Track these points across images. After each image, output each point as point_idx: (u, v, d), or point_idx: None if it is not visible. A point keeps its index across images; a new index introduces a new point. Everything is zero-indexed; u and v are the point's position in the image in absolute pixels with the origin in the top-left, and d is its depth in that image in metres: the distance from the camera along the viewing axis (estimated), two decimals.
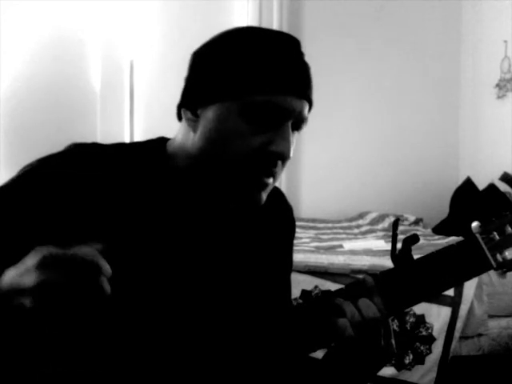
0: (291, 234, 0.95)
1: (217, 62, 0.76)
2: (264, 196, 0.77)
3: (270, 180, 0.76)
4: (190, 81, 0.79)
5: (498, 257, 0.76)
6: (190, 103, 0.78)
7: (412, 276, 0.75)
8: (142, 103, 3.26)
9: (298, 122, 0.77)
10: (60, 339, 0.67)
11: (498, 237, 0.77)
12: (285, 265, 0.93)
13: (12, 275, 0.57)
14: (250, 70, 0.73)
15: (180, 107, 0.80)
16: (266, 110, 0.73)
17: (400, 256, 0.75)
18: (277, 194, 0.93)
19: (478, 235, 0.76)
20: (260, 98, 0.72)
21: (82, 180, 0.72)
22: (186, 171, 0.79)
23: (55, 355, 0.66)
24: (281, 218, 0.92)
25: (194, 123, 0.77)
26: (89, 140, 0.80)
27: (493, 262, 0.75)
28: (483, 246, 0.76)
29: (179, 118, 0.82)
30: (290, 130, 0.75)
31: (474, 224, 0.77)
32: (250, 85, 0.73)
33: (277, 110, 0.73)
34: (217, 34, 0.79)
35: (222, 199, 0.80)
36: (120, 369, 0.69)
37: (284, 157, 0.74)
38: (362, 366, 0.75)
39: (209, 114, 0.75)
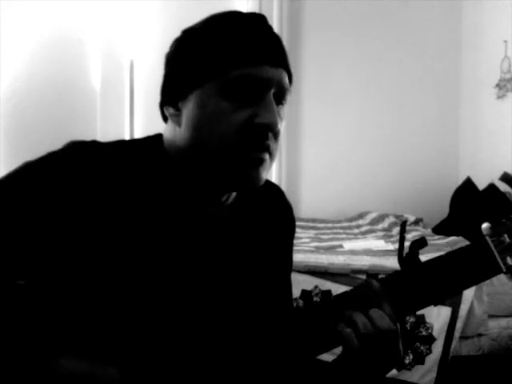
0: (291, 233, 0.94)
1: (186, 51, 0.77)
2: (262, 174, 0.76)
3: (265, 155, 0.75)
4: (165, 77, 0.80)
5: (509, 260, 0.73)
6: (170, 99, 0.78)
7: (420, 280, 0.73)
8: (141, 103, 3.26)
9: (281, 93, 0.76)
10: (64, 339, 0.67)
11: (508, 239, 0.74)
12: (285, 264, 0.92)
13: None
14: (220, 47, 0.73)
15: (162, 106, 0.80)
16: (244, 84, 0.72)
17: (407, 259, 0.74)
18: (276, 192, 0.93)
19: (487, 238, 0.74)
20: (235, 73, 0.72)
21: (82, 178, 0.72)
22: (181, 167, 0.78)
23: (58, 353, 0.66)
24: (280, 216, 0.92)
25: (177, 117, 0.77)
26: (89, 139, 0.80)
27: (502, 266, 0.73)
28: (493, 248, 0.73)
29: (164, 118, 0.81)
30: (273, 101, 0.74)
31: (484, 225, 0.75)
32: (223, 62, 0.73)
33: (255, 82, 0.72)
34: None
35: (220, 186, 0.79)
36: (121, 371, 0.69)
37: (271, 127, 0.73)
38: (369, 372, 0.74)
39: (189, 104, 0.75)
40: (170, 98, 0.78)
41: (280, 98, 0.76)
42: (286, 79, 0.76)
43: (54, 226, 0.70)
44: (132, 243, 0.73)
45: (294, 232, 0.95)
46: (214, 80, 0.73)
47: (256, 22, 0.76)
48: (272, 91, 0.74)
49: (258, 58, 0.73)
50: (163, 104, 0.80)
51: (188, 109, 0.75)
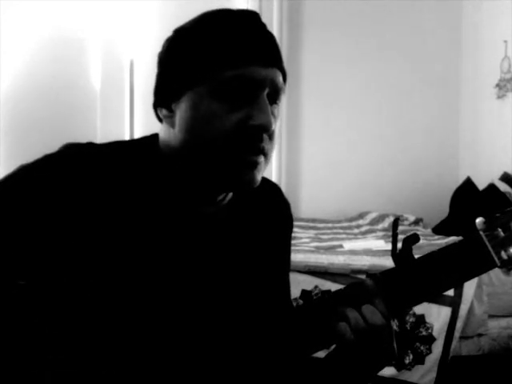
0: (289, 231, 0.94)
1: (177, 52, 0.76)
2: (257, 176, 0.75)
3: (260, 158, 0.74)
4: (158, 78, 0.79)
5: (503, 254, 0.73)
6: (163, 100, 0.77)
7: (413, 276, 0.73)
8: (141, 103, 3.26)
9: (274, 93, 0.75)
10: (62, 343, 0.67)
11: (502, 233, 0.73)
12: (283, 262, 0.92)
13: None
14: (211, 48, 0.72)
15: (156, 107, 0.79)
16: (237, 85, 0.71)
17: (401, 256, 0.74)
18: (274, 189, 0.93)
19: (481, 232, 0.73)
20: (228, 74, 0.71)
21: (78, 180, 0.72)
22: (176, 167, 0.78)
23: (57, 358, 0.66)
24: (278, 214, 0.91)
25: (171, 119, 0.76)
26: (88, 139, 0.79)
27: (497, 260, 0.73)
28: (486, 243, 0.73)
29: (159, 119, 0.81)
30: (267, 101, 0.73)
31: (478, 220, 0.75)
32: (215, 63, 0.71)
33: (247, 83, 0.71)
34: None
35: (214, 187, 0.78)
36: (121, 374, 0.69)
37: (266, 128, 0.72)
38: (363, 368, 0.74)
39: (182, 106, 0.74)
40: (163, 99, 0.77)
41: (274, 97, 0.75)
42: (280, 78, 0.75)
43: (51, 228, 0.69)
44: (129, 244, 0.72)
45: (291, 229, 0.95)
46: (206, 81, 0.72)
47: (248, 21, 0.75)
48: (266, 91, 0.73)
49: (250, 58, 0.72)
50: (156, 105, 0.79)
51: (181, 110, 0.74)
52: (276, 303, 0.87)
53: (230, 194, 0.83)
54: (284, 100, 0.75)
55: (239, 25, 0.74)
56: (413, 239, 0.74)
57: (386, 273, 0.74)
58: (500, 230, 0.74)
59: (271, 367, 0.73)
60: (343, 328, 0.70)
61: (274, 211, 0.90)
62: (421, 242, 0.77)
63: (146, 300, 0.72)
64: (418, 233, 0.75)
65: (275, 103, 0.76)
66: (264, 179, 0.85)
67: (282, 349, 0.73)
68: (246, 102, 0.72)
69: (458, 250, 0.74)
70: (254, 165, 0.74)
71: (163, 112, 0.77)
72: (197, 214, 0.79)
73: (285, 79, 0.77)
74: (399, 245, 0.76)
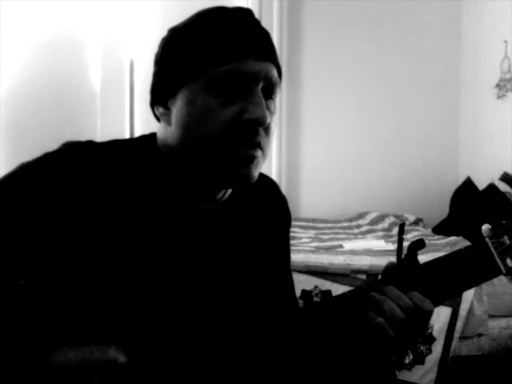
0: (287, 225, 0.95)
1: (172, 49, 0.76)
2: (254, 171, 0.75)
3: (257, 152, 0.74)
4: (154, 77, 0.79)
5: (509, 262, 0.73)
6: (159, 98, 0.78)
7: (419, 282, 0.73)
8: (141, 103, 3.26)
9: (269, 87, 0.75)
10: (62, 338, 0.67)
11: (508, 241, 0.74)
12: (283, 257, 0.93)
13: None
14: (204, 44, 0.73)
15: (153, 106, 0.80)
16: (231, 79, 0.71)
17: (406, 261, 0.74)
18: (270, 185, 0.93)
19: (487, 239, 0.74)
20: (221, 69, 0.71)
21: (77, 179, 0.72)
22: (174, 165, 0.78)
23: (48, 350, 0.65)
24: (276, 209, 0.92)
25: (167, 117, 0.77)
26: (88, 139, 0.79)
27: (502, 268, 0.73)
28: (493, 250, 0.73)
29: (157, 118, 0.81)
30: (261, 95, 0.73)
31: (484, 227, 0.75)
32: (208, 58, 0.72)
33: (241, 77, 0.71)
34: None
35: (212, 184, 0.78)
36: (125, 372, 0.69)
37: (261, 122, 0.71)
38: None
39: (178, 102, 0.75)
40: (159, 97, 0.78)
41: (269, 92, 0.75)
42: (275, 73, 0.75)
43: (50, 227, 0.69)
44: (129, 243, 0.73)
45: (290, 225, 0.95)
46: (200, 77, 0.72)
47: (241, 17, 0.75)
48: (260, 85, 0.73)
49: (243, 51, 0.72)
50: (153, 103, 0.80)
51: (177, 107, 0.75)
52: (279, 298, 0.88)
53: (229, 191, 0.83)
54: (284, 100, 0.75)
55: (232, 20, 0.74)
56: (418, 245, 0.74)
57: (390, 277, 0.74)
58: (506, 237, 0.74)
59: (277, 361, 0.72)
60: (381, 323, 0.70)
61: (272, 207, 0.91)
62: None
63: (147, 298, 0.72)
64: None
65: (271, 98, 0.76)
66: (261, 175, 0.86)
67: (290, 342, 0.72)
68: (241, 96, 0.72)
69: (463, 256, 0.74)
70: (251, 159, 0.73)
71: (160, 110, 0.78)
72: (196, 211, 0.79)
73: (280, 74, 0.77)
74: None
